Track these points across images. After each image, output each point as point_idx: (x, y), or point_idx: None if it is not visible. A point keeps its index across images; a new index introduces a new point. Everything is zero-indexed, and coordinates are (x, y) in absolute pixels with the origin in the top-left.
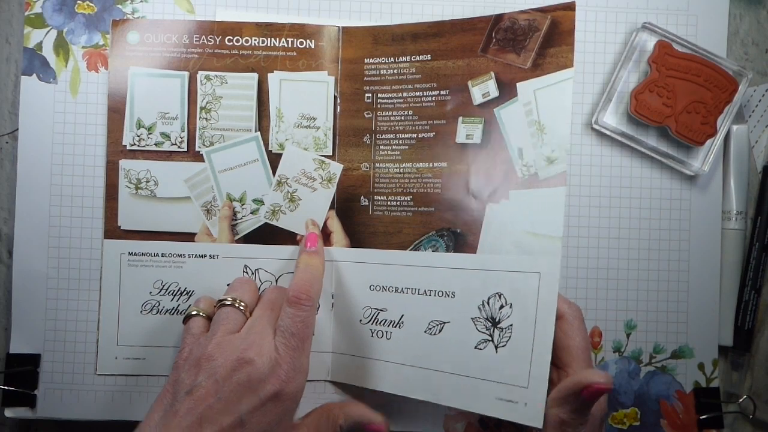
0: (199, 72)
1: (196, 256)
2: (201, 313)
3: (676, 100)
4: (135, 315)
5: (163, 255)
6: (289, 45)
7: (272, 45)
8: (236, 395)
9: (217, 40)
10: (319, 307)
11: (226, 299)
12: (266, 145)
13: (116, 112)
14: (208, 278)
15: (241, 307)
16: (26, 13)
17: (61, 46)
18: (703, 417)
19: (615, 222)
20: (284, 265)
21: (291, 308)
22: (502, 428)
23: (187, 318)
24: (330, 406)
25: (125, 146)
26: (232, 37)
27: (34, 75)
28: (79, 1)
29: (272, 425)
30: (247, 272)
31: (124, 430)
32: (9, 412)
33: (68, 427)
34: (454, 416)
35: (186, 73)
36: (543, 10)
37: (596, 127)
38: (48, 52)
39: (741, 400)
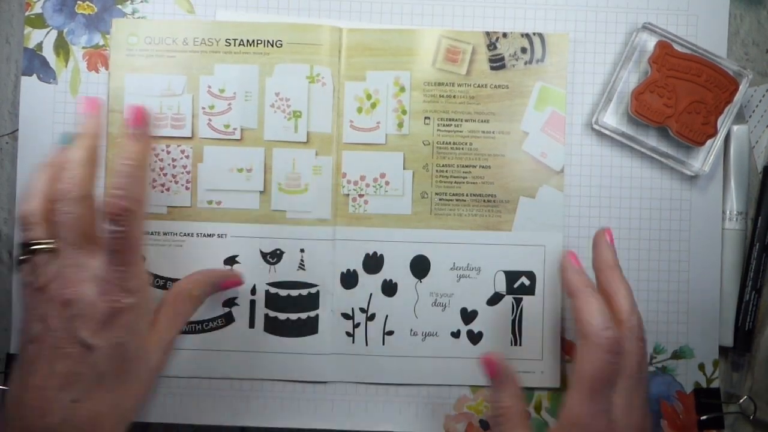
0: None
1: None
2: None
3: (677, 100)
4: None
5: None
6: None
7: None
8: (69, 328)
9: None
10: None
11: (31, 244)
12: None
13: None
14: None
15: (52, 246)
16: (26, 14)
17: (62, 47)
18: (704, 417)
19: (615, 222)
20: None
21: (109, 224)
22: None
23: (26, 253)
24: (176, 286)
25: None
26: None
27: (34, 75)
28: (79, 2)
29: (127, 336)
30: None
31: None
32: None
33: None
34: (455, 416)
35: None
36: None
37: (596, 127)
38: (48, 52)
39: (741, 400)
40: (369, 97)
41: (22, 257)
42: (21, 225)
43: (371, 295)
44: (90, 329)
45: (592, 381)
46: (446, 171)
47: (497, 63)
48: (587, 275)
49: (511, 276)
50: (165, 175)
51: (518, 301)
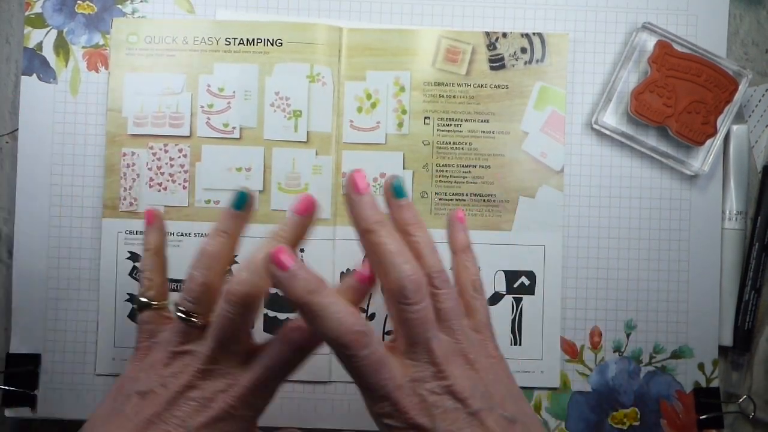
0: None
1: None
2: (153, 303)
3: (676, 100)
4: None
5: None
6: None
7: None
8: (188, 409)
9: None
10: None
11: (189, 314)
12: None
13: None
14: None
15: (194, 321)
16: (26, 13)
17: (61, 46)
18: (703, 417)
19: (615, 222)
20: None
21: (278, 340)
22: None
23: (140, 308)
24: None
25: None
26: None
27: (34, 75)
28: (79, 1)
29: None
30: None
31: None
32: (9, 412)
33: (68, 427)
34: None
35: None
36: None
37: (596, 127)
38: (48, 52)
39: (741, 400)
40: (369, 96)
41: (178, 314)
42: (184, 289)
43: (371, 294)
44: (200, 422)
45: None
46: (446, 171)
47: (497, 63)
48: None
49: (511, 276)
50: (162, 174)
51: (518, 301)
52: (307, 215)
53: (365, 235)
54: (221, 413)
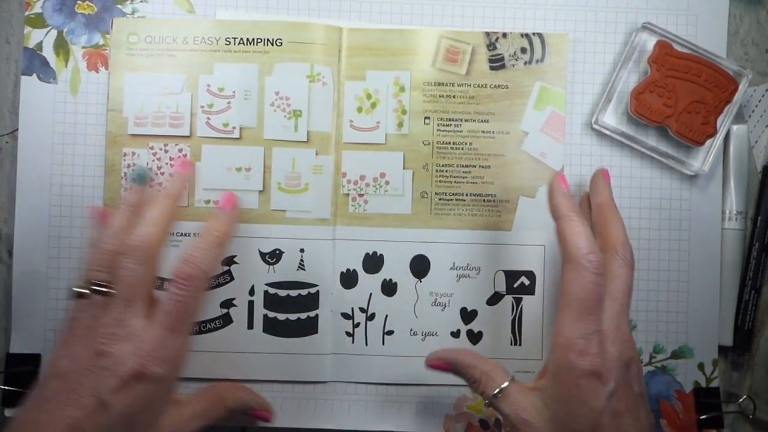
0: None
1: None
2: (86, 290)
3: (676, 100)
4: None
5: None
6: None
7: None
8: (94, 379)
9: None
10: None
11: (96, 283)
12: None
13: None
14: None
15: (112, 292)
16: (26, 13)
17: (61, 46)
18: (703, 417)
19: None
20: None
21: (172, 286)
22: (503, 427)
23: (74, 296)
24: (220, 387)
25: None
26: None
27: (34, 75)
28: (79, 1)
29: (142, 407)
30: None
31: None
32: (9, 412)
33: None
34: (455, 416)
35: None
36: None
37: (596, 127)
38: (48, 52)
39: (741, 400)
40: (369, 96)
41: (81, 290)
42: (90, 262)
43: (371, 294)
44: (111, 386)
45: (580, 302)
46: (446, 171)
47: (497, 63)
48: (574, 201)
49: (511, 276)
50: (162, 174)
51: (518, 301)
52: (232, 210)
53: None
54: (132, 374)
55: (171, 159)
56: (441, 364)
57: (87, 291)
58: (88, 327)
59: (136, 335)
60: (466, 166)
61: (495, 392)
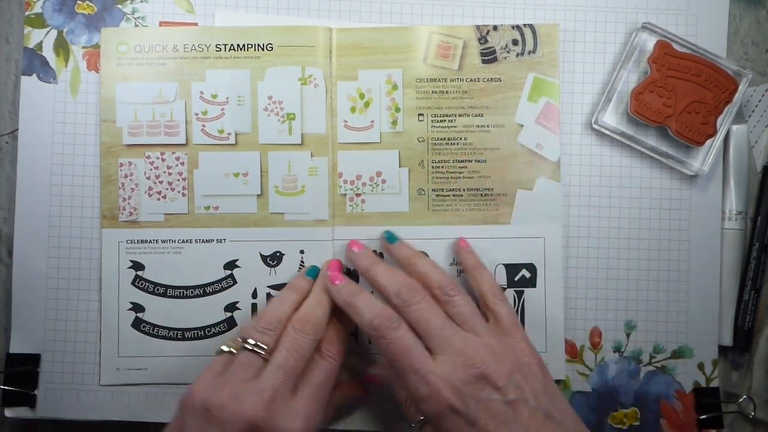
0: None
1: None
2: (231, 350)
3: (676, 100)
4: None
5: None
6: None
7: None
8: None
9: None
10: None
11: (247, 340)
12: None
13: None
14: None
15: (262, 353)
16: (26, 13)
17: (61, 46)
18: (703, 417)
19: (615, 222)
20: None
21: (322, 360)
22: None
23: (218, 353)
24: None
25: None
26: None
27: (34, 75)
28: (79, 1)
29: None
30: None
31: (125, 430)
32: (9, 412)
33: (68, 427)
34: None
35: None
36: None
37: (596, 127)
38: (48, 52)
39: (741, 400)
40: (362, 96)
41: (242, 346)
42: (259, 324)
43: (372, 293)
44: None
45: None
46: (442, 167)
47: (489, 56)
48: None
49: (512, 269)
50: (161, 182)
51: (519, 294)
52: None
53: (366, 274)
54: None
55: (168, 168)
56: (375, 379)
57: (245, 350)
58: (244, 382)
59: (291, 412)
60: (462, 161)
61: (417, 421)
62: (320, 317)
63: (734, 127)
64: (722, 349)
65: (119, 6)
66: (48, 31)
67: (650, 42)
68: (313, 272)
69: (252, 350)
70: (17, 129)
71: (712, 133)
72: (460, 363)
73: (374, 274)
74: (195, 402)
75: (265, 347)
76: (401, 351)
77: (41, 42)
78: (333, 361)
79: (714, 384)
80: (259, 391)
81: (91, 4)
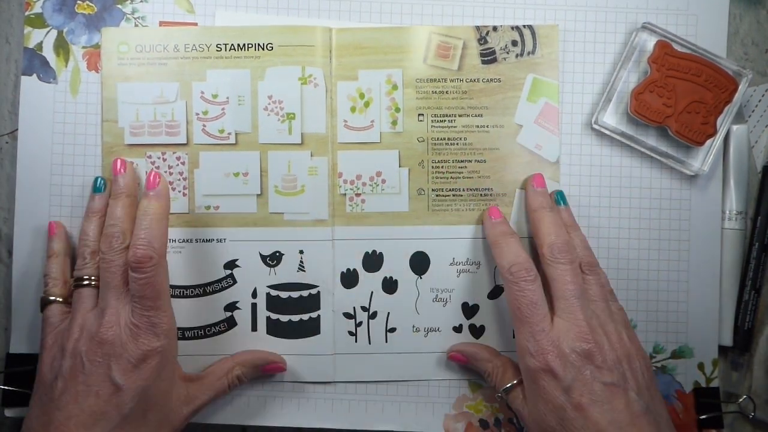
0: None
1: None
2: (57, 299)
3: (676, 100)
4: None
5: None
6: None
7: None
8: (103, 367)
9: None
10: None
11: (80, 279)
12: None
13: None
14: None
15: (94, 284)
16: (26, 13)
17: (62, 46)
18: (703, 417)
19: (615, 222)
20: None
21: (133, 272)
22: (502, 427)
23: (44, 305)
24: (223, 361)
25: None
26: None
27: (34, 75)
28: (79, 1)
29: (152, 380)
30: None
31: None
32: (9, 412)
33: None
34: (454, 416)
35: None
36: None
37: (596, 127)
38: (48, 52)
39: (741, 400)
40: (362, 96)
41: (73, 286)
42: (77, 262)
43: (372, 293)
44: (122, 370)
45: (514, 313)
46: (442, 167)
47: (488, 57)
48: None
49: None
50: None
51: None
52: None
53: (533, 212)
54: (137, 355)
55: (169, 167)
56: (460, 356)
57: (79, 287)
58: (83, 322)
59: (128, 320)
60: (462, 162)
61: (503, 387)
62: (119, 230)
63: (734, 127)
64: (722, 349)
65: (119, 6)
66: (48, 31)
67: (650, 42)
68: (101, 186)
69: (86, 286)
70: (17, 129)
71: (712, 133)
72: (575, 332)
73: (542, 216)
74: (50, 346)
75: (95, 277)
76: (527, 303)
77: (41, 42)
78: (146, 271)
79: (714, 384)
80: (98, 314)
81: (91, 4)
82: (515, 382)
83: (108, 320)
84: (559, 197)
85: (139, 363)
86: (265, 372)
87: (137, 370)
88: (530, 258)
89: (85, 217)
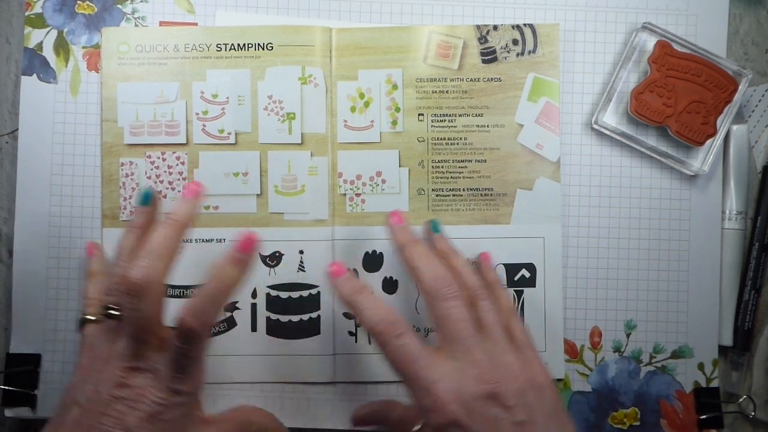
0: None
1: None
2: (94, 318)
3: (676, 100)
4: None
5: None
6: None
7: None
8: (121, 409)
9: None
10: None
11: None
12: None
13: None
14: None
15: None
16: (26, 13)
17: (62, 46)
18: (703, 417)
19: (615, 222)
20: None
21: (175, 339)
22: None
23: (82, 324)
24: (246, 410)
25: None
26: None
27: (35, 75)
28: (79, 1)
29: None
30: None
31: None
32: (9, 412)
33: None
34: None
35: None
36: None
37: (596, 127)
38: (48, 52)
39: (741, 400)
40: (362, 96)
41: (92, 317)
42: (96, 289)
43: (372, 293)
44: (137, 418)
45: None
46: (442, 167)
47: (489, 56)
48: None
49: (511, 269)
50: (161, 182)
51: (519, 294)
52: (195, 198)
53: (401, 250)
54: (154, 406)
55: (169, 167)
56: (362, 422)
57: (100, 316)
58: (107, 355)
59: (155, 369)
60: (462, 161)
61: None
62: (155, 275)
63: (734, 127)
64: (722, 349)
65: (119, 6)
66: (48, 31)
67: (650, 42)
68: (146, 199)
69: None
70: (17, 129)
71: (712, 133)
72: (473, 376)
73: (411, 254)
74: (84, 368)
75: (115, 308)
76: (406, 359)
77: (41, 42)
78: (189, 343)
79: (714, 384)
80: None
81: (91, 4)
82: (417, 428)
83: (132, 365)
84: (432, 226)
85: (156, 415)
86: None
87: (152, 422)
88: (391, 309)
89: (125, 231)
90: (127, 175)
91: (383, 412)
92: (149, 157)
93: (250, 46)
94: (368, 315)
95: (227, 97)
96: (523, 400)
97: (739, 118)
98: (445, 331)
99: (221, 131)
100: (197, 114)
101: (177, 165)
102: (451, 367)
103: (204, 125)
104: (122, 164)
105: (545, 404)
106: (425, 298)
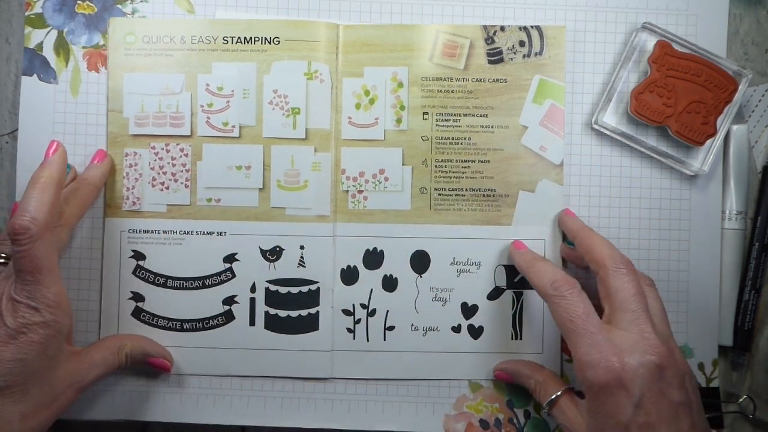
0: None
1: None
2: None
3: (676, 100)
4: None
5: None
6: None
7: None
8: None
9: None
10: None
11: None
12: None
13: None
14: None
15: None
16: (26, 13)
17: (62, 46)
18: None
19: (615, 222)
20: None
21: (12, 244)
22: (503, 427)
23: None
24: (119, 336)
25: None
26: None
27: (35, 75)
28: (79, 1)
29: (33, 355)
30: None
31: (125, 429)
32: None
33: (68, 426)
34: (454, 416)
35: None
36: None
37: (596, 127)
38: (48, 52)
39: (741, 400)
40: (367, 93)
41: None
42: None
43: (372, 290)
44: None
45: (567, 329)
46: (445, 166)
47: (495, 57)
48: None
49: (512, 270)
50: (164, 173)
51: (518, 296)
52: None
53: (577, 233)
54: (14, 327)
55: (172, 159)
56: (503, 374)
57: None
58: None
59: (8, 294)
60: (466, 161)
61: (547, 401)
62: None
63: (734, 127)
64: (722, 349)
65: (119, 6)
66: (48, 32)
67: (650, 42)
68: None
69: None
70: (17, 129)
71: (712, 133)
72: (644, 345)
73: (588, 233)
74: None
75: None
76: (578, 313)
77: (41, 42)
78: (24, 242)
79: (714, 384)
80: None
81: (91, 4)
82: (558, 394)
83: None
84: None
85: (15, 336)
86: (150, 364)
87: (14, 343)
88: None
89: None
90: (130, 166)
91: (527, 372)
92: (153, 148)
93: (256, 39)
94: (546, 274)
95: (232, 90)
96: (684, 383)
97: (739, 118)
98: (620, 299)
99: (225, 124)
100: (202, 106)
101: (180, 157)
102: (621, 335)
103: (208, 118)
104: (126, 154)
105: (697, 396)
106: (603, 268)
